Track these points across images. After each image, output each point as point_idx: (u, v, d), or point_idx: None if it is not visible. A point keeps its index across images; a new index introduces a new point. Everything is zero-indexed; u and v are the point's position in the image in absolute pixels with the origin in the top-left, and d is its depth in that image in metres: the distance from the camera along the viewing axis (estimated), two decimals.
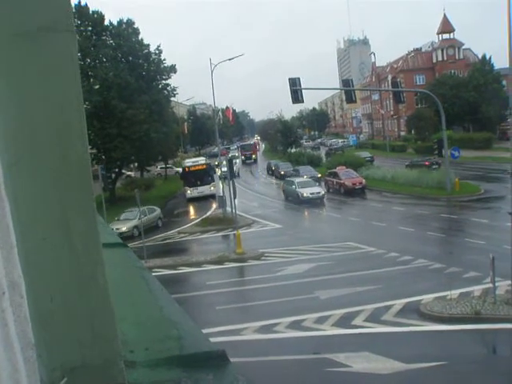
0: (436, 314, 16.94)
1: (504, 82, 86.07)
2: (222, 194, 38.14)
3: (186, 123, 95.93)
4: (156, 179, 67.66)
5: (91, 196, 1.16)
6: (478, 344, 15.15)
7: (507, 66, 18.05)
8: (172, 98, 61.30)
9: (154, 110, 49.38)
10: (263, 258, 27.10)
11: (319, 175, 56.44)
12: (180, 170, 67.09)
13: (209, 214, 41.76)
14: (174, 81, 56.88)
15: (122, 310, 1.64)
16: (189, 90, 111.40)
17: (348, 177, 47.89)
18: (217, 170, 51.74)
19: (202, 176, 51.08)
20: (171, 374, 1.33)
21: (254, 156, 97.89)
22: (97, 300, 1.17)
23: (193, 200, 50.43)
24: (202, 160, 55.64)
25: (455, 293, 18.36)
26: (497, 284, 17.31)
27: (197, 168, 51.51)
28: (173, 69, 54.40)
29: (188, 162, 54.48)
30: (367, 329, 16.40)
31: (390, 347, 14.92)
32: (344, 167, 51.35)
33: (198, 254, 28.92)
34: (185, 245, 32.96)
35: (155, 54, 53.35)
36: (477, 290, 18.90)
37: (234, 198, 31.76)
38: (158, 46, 53.45)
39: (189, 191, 51.16)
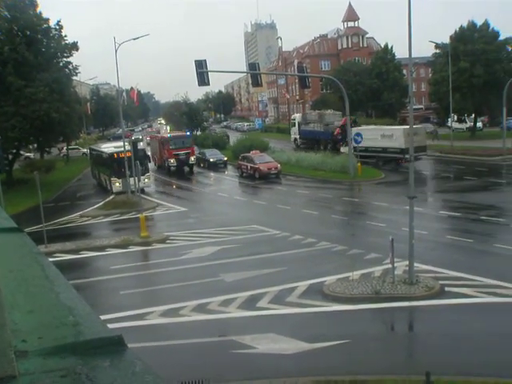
0: (339, 294, 17.41)
1: (404, 71, 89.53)
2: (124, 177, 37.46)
3: (88, 103, 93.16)
4: (59, 161, 65.33)
5: None
6: (378, 322, 15.73)
7: (407, 56, 18.60)
8: (74, 77, 58.96)
9: (55, 88, 47.07)
10: (168, 241, 26.87)
11: (225, 158, 56.44)
12: (87, 151, 64.47)
13: (112, 196, 40.82)
14: (76, 59, 54.47)
15: (14, 297, 1.52)
16: (92, 69, 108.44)
17: (263, 161, 47.48)
18: None
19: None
20: (66, 362, 1.25)
21: (192, 159, 54.49)
22: None
23: (100, 185, 46.96)
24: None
25: (357, 274, 18.94)
26: (396, 265, 18.02)
27: (128, 155, 37.91)
28: (75, 46, 52.00)
29: (109, 148, 46.01)
30: (272, 310, 16.62)
31: (295, 328, 15.20)
32: (258, 151, 51.16)
33: (102, 238, 28.25)
34: (87, 228, 32.11)
35: (55, 29, 50.63)
36: (377, 270, 19.59)
37: (139, 180, 31.29)
38: (59, 22, 50.72)
39: (117, 183, 41.63)
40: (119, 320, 16.22)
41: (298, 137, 71.49)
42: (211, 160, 56.75)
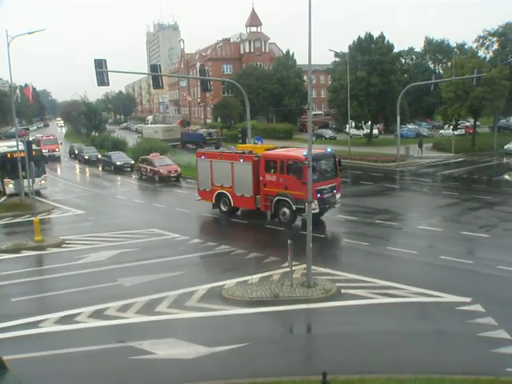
0: (238, 298, 17.45)
1: (305, 78, 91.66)
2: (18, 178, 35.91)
3: None
4: None
5: None
6: (277, 325, 15.88)
7: (307, 62, 18.94)
8: None
9: None
10: (64, 245, 25.95)
11: (132, 162, 54.99)
12: None
13: (4, 199, 38.95)
14: None
15: None
16: None
17: (163, 164, 47.59)
18: None
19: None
20: None
21: (338, 197, 29.11)
22: None
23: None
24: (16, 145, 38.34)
25: (256, 277, 19.10)
26: (294, 268, 18.34)
27: (22, 155, 35.06)
28: None
29: (1, 147, 43.12)
30: (171, 315, 16.42)
31: (194, 332, 15.09)
32: (158, 154, 50.92)
33: None
34: None
35: None
36: (276, 273, 19.86)
37: (33, 182, 30.08)
38: None
39: (11, 185, 39.19)
40: (11, 329, 15.52)
41: None
42: (118, 163, 55.28)
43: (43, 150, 59.55)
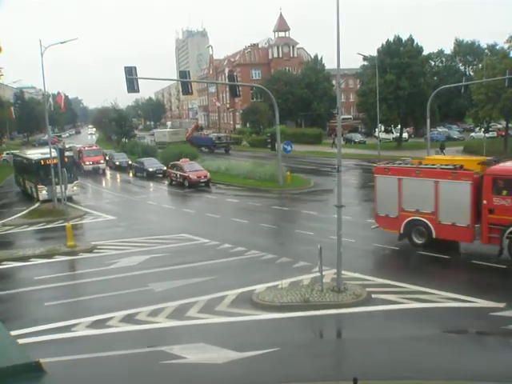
0: (268, 302, 17.45)
1: (333, 82, 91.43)
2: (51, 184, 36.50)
3: (12, 108, 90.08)
4: None
5: None
6: (307, 329, 15.86)
7: (336, 66, 18.89)
8: None
9: None
10: (96, 250, 26.26)
11: (165, 168, 54.96)
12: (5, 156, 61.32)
13: (37, 205, 39.60)
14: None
15: None
16: (17, 72, 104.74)
17: (192, 170, 47.65)
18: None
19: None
20: None
21: None
22: None
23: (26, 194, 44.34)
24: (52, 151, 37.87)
25: (286, 282, 19.05)
26: (324, 273, 18.26)
27: (54, 162, 35.54)
28: None
29: (35, 154, 44.01)
30: (201, 320, 16.48)
31: (225, 337, 15.13)
32: (188, 160, 51.12)
33: (25, 248, 27.22)
34: (10, 238, 30.91)
35: None
36: (306, 278, 19.78)
37: (65, 188, 30.54)
38: None
39: (44, 191, 40.26)
40: (44, 333, 15.72)
41: None
42: (150, 170, 55.56)
43: (86, 163, 59.83)
